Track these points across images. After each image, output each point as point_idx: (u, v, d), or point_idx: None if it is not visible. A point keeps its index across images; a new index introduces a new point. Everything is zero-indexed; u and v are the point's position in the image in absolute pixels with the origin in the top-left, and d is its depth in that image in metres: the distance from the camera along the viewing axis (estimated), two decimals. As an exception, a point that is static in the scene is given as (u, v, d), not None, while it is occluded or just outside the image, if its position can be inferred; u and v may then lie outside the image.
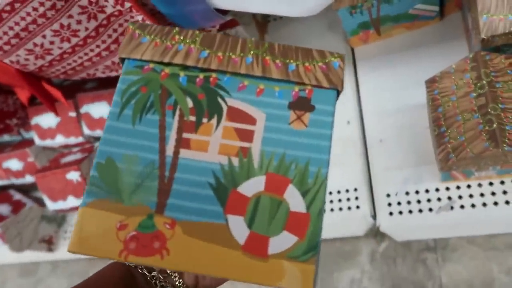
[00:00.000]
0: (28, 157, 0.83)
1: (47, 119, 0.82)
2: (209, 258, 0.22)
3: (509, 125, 0.44)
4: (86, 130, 0.80)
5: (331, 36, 0.76)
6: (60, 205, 0.78)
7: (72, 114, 0.80)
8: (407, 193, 0.62)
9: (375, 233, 0.76)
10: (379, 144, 0.66)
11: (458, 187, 0.59)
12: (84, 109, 0.79)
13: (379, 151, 0.66)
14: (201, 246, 0.22)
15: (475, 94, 0.47)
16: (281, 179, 0.23)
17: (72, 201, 0.77)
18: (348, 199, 0.66)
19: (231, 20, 0.67)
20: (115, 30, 0.56)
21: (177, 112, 0.25)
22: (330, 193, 0.68)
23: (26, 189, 0.94)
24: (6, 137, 0.97)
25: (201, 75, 0.26)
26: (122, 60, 0.27)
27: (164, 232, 0.23)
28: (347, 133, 0.70)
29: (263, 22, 0.83)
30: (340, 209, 0.66)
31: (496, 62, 0.47)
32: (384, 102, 0.68)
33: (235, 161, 0.24)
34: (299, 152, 0.23)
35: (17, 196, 0.88)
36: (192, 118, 0.25)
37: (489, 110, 0.45)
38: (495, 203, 0.56)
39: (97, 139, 0.83)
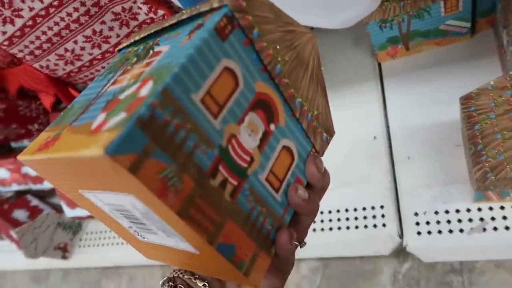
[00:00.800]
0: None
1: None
2: None
3: (553, 145, 0.42)
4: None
5: (357, 50, 0.76)
6: (78, 212, 0.77)
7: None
8: (436, 213, 0.60)
9: (398, 253, 0.74)
10: (407, 161, 0.64)
11: (491, 208, 0.57)
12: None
13: (407, 168, 0.64)
14: None
15: (516, 112, 0.45)
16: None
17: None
18: (374, 217, 0.64)
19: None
20: None
21: None
22: (355, 209, 0.67)
23: (43, 195, 0.94)
24: (26, 142, 0.98)
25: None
26: None
27: None
28: (373, 149, 0.68)
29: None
30: (365, 226, 0.64)
31: (538, 79, 0.46)
32: (412, 118, 0.66)
33: None
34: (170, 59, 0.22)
35: (35, 201, 0.88)
36: None
37: (532, 129, 0.43)
38: (531, 226, 0.54)
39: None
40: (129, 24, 0.53)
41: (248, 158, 0.23)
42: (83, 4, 0.49)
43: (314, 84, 0.28)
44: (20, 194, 0.92)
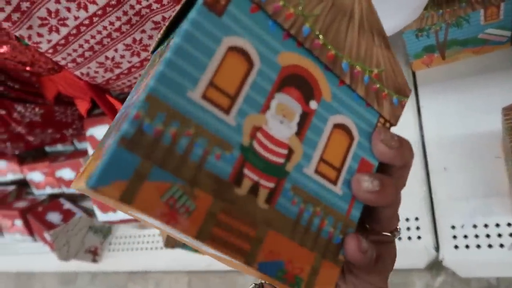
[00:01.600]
0: (81, 167, 0.85)
1: (102, 131, 0.84)
2: None
3: None
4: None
5: (390, 59, 0.75)
6: (110, 216, 0.79)
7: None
8: (474, 226, 0.58)
9: (431, 266, 0.72)
10: (443, 172, 0.63)
11: (533, 223, 0.55)
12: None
13: (443, 180, 0.62)
14: None
15: None
16: None
17: (121, 213, 0.78)
18: (408, 229, 0.63)
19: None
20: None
21: None
22: (388, 220, 0.65)
23: (75, 199, 0.96)
24: (59, 147, 1.00)
25: None
26: None
27: None
28: (407, 159, 0.67)
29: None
30: (399, 238, 0.63)
31: None
32: (448, 128, 0.65)
33: None
34: None
35: (67, 205, 0.90)
36: None
37: None
38: None
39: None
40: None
41: (284, 151, 0.19)
42: (125, 13, 0.50)
43: (367, 35, 0.22)
44: (53, 197, 0.95)
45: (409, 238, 0.62)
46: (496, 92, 0.62)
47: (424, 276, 0.73)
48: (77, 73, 0.59)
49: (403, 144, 0.21)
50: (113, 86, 0.63)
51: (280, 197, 0.19)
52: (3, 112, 0.74)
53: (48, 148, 1.04)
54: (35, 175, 0.95)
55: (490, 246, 0.56)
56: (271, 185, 0.19)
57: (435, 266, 0.71)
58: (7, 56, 0.61)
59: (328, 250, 0.20)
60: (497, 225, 0.57)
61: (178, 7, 0.20)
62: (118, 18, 0.50)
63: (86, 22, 0.50)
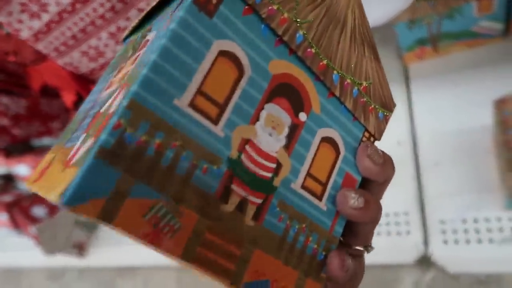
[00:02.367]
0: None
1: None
2: None
3: None
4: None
5: (383, 52, 0.74)
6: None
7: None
8: (464, 221, 0.58)
9: (421, 262, 0.71)
10: (434, 167, 0.62)
11: (523, 218, 0.55)
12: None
13: (434, 175, 0.62)
14: None
15: (556, 117, 0.43)
16: None
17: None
18: (398, 223, 0.62)
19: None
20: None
21: None
22: (378, 215, 0.64)
23: (62, 193, 0.94)
24: (45, 141, 0.98)
25: None
26: None
27: None
28: (397, 154, 0.66)
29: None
30: (388, 233, 0.62)
31: None
32: (440, 123, 0.64)
33: None
34: None
35: (53, 199, 0.88)
36: None
37: None
38: None
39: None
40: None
41: (272, 165, 0.18)
42: (108, 0, 0.48)
43: (359, 46, 0.21)
44: (39, 191, 0.93)
45: (398, 233, 0.62)
46: (488, 86, 0.61)
47: (414, 272, 0.73)
48: (60, 62, 0.58)
49: (386, 160, 0.21)
50: (98, 76, 0.62)
51: (267, 214, 0.18)
52: (-14, 103, 0.72)
53: (34, 142, 1.02)
54: (21, 169, 0.93)
55: (479, 241, 0.56)
56: (258, 201, 0.18)
57: (425, 261, 0.70)
58: (-12, 45, 0.59)
59: (312, 267, 0.20)
60: (487, 219, 0.56)
61: None
62: (102, 5, 0.49)
63: (69, 8, 0.49)
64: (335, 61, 0.20)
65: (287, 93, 0.18)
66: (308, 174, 0.19)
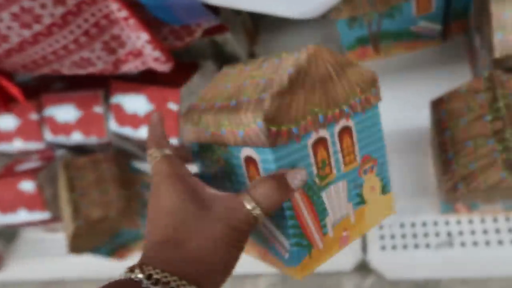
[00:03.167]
0: None
1: (4, 121, 0.73)
2: None
3: (529, 154, 0.39)
4: (48, 136, 0.71)
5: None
6: (10, 218, 0.68)
7: (34, 116, 0.72)
8: (402, 225, 0.56)
9: (361, 268, 0.69)
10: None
11: (458, 222, 0.54)
12: (48, 112, 0.70)
13: (373, 177, 0.59)
14: None
15: (490, 117, 0.41)
16: None
17: (23, 215, 0.68)
18: (337, 229, 0.59)
19: (220, 25, 0.61)
20: (86, 20, 0.49)
21: None
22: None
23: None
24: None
25: None
26: None
27: None
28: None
29: (253, 32, 0.78)
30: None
31: (513, 83, 0.42)
32: (379, 124, 0.62)
33: None
34: None
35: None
36: None
37: (507, 135, 0.39)
38: (500, 242, 0.51)
39: (60, 146, 0.74)
40: (66, 2, 0.46)
41: None
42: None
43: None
44: None
45: (337, 239, 0.59)
46: (425, 89, 0.60)
47: (353, 279, 0.71)
48: None
49: None
50: (3, 65, 0.54)
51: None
52: None
53: None
54: None
55: (416, 246, 0.54)
56: None
57: (364, 268, 0.68)
58: None
59: None
60: (424, 224, 0.55)
61: None
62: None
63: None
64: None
65: None
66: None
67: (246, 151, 0.28)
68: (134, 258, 0.72)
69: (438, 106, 0.47)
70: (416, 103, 0.56)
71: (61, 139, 0.71)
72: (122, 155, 0.66)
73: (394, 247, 0.55)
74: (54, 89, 0.74)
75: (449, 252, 0.52)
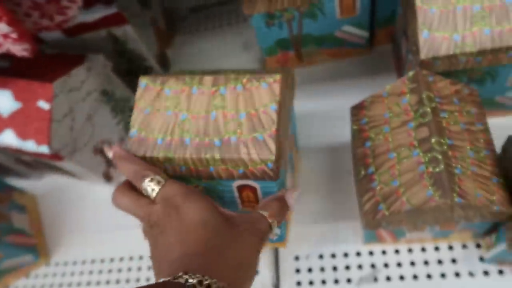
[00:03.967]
0: None
1: None
2: None
3: (458, 168, 0.32)
4: None
5: (246, 56, 0.64)
6: None
7: None
8: (320, 257, 0.47)
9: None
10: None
11: (384, 252, 0.46)
12: None
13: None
14: None
15: (414, 124, 0.34)
16: None
17: None
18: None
19: (115, 14, 0.51)
20: None
21: None
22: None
23: None
24: None
25: None
26: None
27: None
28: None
29: (167, 33, 0.69)
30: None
31: (440, 86, 0.36)
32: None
33: None
34: None
35: None
36: None
37: (433, 145, 0.32)
38: (428, 276, 0.43)
39: None
40: None
41: None
42: None
43: None
44: None
45: (246, 273, 0.49)
46: (350, 99, 0.54)
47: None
48: None
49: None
50: None
51: None
52: None
53: None
54: None
55: (336, 281, 0.45)
56: None
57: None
58: None
59: None
60: (345, 254, 0.47)
61: None
62: None
63: None
64: None
65: None
66: None
67: (241, 182, 0.31)
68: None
69: (358, 112, 0.40)
70: (340, 115, 0.49)
71: None
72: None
73: (311, 283, 0.46)
74: None
75: (372, 288, 0.44)
